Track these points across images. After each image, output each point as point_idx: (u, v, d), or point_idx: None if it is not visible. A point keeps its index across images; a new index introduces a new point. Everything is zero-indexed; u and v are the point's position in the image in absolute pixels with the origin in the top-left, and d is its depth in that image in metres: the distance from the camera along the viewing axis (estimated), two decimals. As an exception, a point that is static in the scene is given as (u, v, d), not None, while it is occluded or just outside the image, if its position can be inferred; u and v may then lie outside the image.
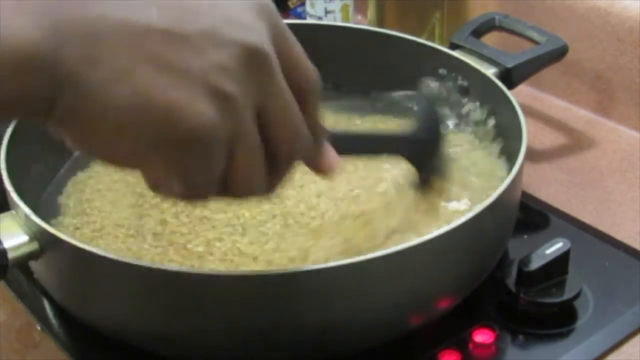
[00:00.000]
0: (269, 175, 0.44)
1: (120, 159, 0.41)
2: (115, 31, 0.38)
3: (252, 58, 0.40)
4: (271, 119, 0.42)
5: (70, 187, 0.68)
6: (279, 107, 0.42)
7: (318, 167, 0.48)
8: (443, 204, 0.60)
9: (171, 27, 0.39)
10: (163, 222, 0.62)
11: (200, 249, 0.59)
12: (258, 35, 0.41)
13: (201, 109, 0.39)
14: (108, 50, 0.38)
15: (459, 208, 0.61)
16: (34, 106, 0.38)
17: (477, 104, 0.72)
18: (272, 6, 0.42)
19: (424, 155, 0.58)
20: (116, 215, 0.63)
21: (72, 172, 0.69)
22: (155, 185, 0.43)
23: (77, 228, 0.62)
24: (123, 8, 0.38)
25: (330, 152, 0.48)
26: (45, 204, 0.65)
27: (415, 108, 0.63)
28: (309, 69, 0.44)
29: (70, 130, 0.40)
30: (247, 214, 0.62)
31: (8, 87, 0.37)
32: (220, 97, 0.39)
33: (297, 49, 0.43)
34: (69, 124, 0.39)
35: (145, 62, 0.38)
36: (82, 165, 0.69)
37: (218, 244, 0.60)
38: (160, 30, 0.39)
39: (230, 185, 0.43)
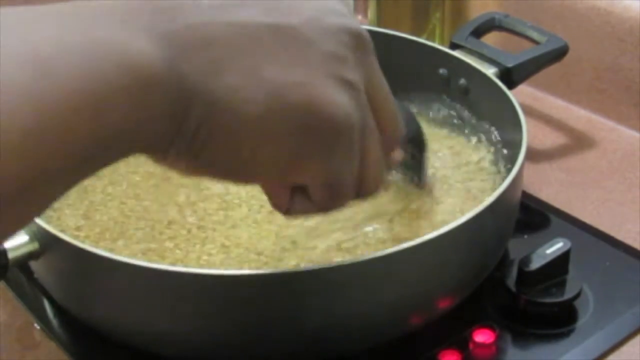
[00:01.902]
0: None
1: (263, 172, 0.40)
2: (227, 34, 0.36)
3: (357, 42, 0.40)
4: (378, 102, 0.42)
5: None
6: (383, 89, 0.43)
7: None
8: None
9: (278, 22, 0.38)
10: (172, 222, 0.62)
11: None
12: (353, 20, 0.41)
13: (338, 99, 0.39)
14: (227, 54, 0.36)
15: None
16: (160, 132, 0.36)
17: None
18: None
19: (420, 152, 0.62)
20: (118, 215, 0.63)
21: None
22: (287, 204, 0.43)
23: (78, 228, 0.62)
24: (224, 11, 0.37)
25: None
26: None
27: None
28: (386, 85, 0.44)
29: (203, 152, 0.37)
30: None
31: (135, 116, 0.34)
32: (347, 85, 0.39)
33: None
34: (201, 144, 0.37)
35: (267, 60, 0.37)
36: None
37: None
38: (270, 25, 0.38)
39: (363, 182, 0.43)
